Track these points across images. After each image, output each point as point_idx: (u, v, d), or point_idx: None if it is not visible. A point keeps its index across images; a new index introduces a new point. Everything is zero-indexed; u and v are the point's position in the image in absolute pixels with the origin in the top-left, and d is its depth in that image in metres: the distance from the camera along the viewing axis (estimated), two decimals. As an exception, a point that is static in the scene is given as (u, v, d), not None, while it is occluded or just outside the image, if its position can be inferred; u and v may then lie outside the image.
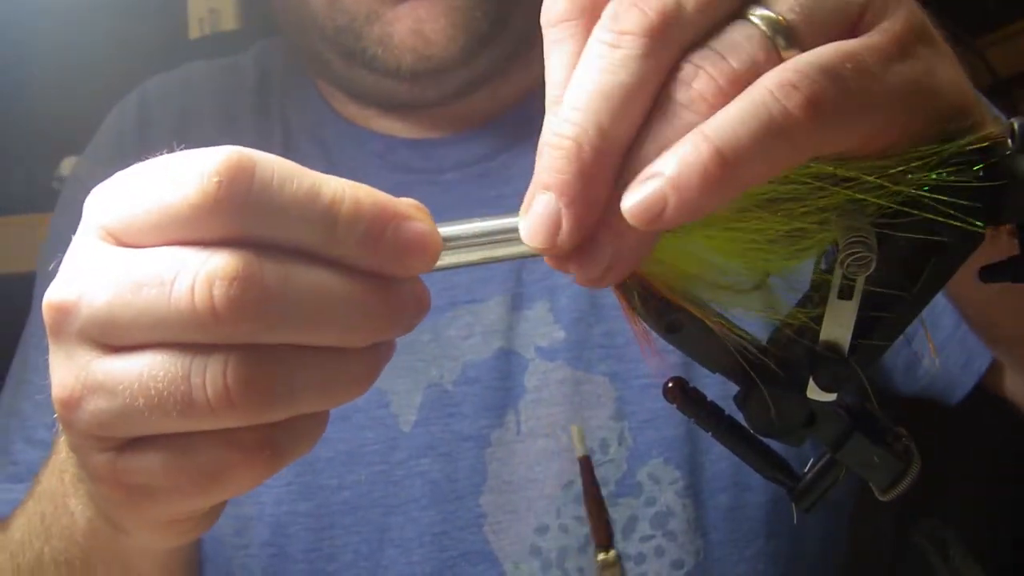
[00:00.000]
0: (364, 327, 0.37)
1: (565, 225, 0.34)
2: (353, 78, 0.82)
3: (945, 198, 0.36)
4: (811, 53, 0.35)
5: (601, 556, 0.74)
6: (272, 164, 0.36)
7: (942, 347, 0.79)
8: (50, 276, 0.40)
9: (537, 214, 0.35)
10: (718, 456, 0.75)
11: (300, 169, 0.37)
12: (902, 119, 0.37)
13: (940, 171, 0.36)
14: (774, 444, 0.41)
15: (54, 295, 0.38)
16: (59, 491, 0.55)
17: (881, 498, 0.41)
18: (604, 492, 0.75)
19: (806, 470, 0.42)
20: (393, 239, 0.36)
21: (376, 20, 0.76)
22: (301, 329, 0.36)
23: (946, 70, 0.38)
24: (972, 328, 0.72)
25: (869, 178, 0.36)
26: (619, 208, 0.34)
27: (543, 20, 0.38)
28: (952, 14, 0.42)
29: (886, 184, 0.36)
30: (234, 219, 0.35)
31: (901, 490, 0.40)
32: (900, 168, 0.36)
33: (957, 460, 1.08)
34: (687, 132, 0.34)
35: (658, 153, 0.34)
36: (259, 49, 0.96)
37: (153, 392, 0.36)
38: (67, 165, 1.36)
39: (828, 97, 0.34)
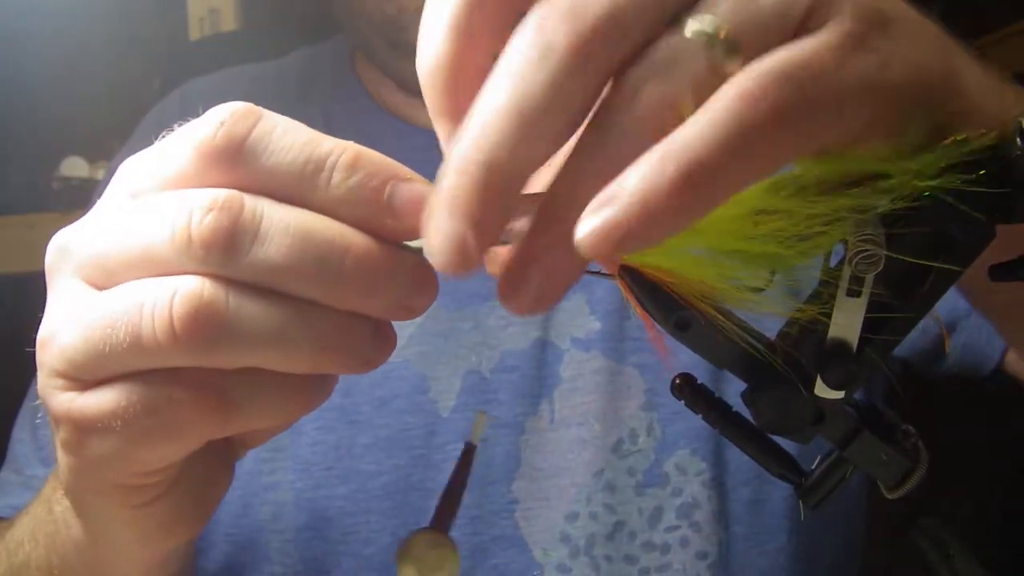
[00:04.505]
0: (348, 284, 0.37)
1: (472, 246, 0.32)
2: (399, 67, 0.83)
3: (955, 190, 0.36)
4: (764, 60, 0.33)
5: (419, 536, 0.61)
6: (278, 117, 0.38)
7: (962, 325, 0.80)
8: None
9: (441, 236, 0.32)
10: None
11: (304, 127, 0.38)
12: (869, 113, 0.35)
13: (949, 173, 0.36)
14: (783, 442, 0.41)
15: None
16: (49, 495, 0.55)
17: (888, 496, 0.41)
18: (631, 482, 0.77)
19: (813, 467, 0.42)
20: (392, 192, 0.37)
21: None
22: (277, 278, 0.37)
23: (911, 56, 0.36)
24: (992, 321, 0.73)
25: (881, 178, 0.36)
26: (545, 240, 0.33)
27: None
28: (952, 14, 0.42)
29: (896, 187, 0.36)
30: (235, 161, 0.38)
31: (909, 488, 0.40)
32: (912, 169, 0.36)
33: (957, 460, 1.08)
34: (632, 157, 0.31)
35: (600, 182, 0.32)
36: (306, 51, 0.97)
37: (109, 324, 0.37)
38: (67, 165, 1.36)
39: (790, 103, 0.32)
